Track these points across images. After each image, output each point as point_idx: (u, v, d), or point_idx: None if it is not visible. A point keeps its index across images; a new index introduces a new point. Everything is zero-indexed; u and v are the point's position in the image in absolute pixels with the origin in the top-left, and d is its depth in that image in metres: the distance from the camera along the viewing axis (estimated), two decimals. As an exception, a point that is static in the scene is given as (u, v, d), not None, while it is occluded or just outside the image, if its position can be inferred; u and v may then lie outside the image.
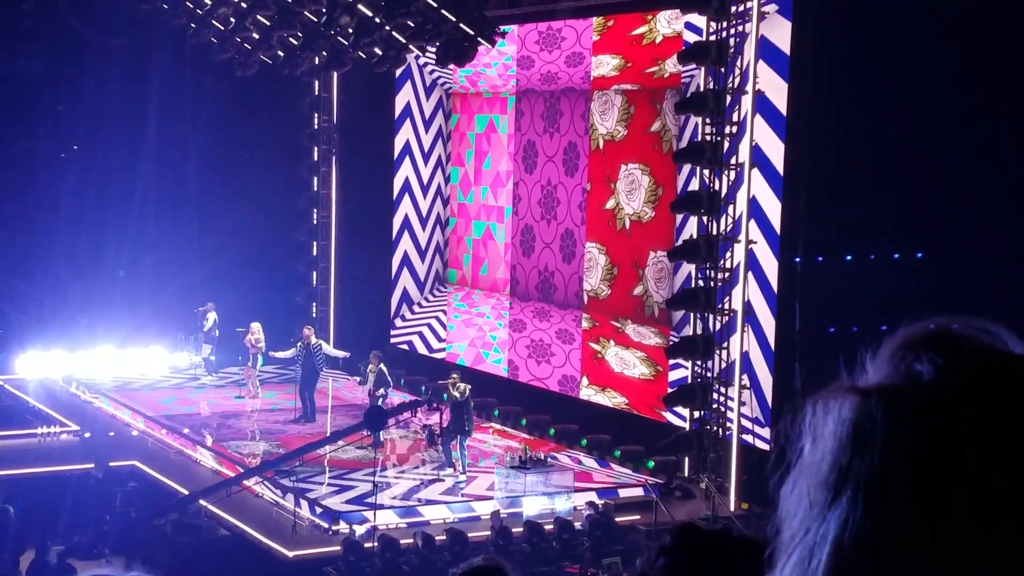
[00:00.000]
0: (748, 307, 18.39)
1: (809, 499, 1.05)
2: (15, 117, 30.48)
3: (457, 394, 19.42)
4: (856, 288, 16.61)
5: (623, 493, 18.88)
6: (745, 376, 18.40)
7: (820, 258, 17.61)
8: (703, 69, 18.79)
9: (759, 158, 18.17)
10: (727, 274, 18.42)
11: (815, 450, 1.06)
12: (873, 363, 1.09)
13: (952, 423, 1.01)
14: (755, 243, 18.28)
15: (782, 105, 17.95)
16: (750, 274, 18.36)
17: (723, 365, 18.53)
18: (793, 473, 1.08)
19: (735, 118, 18.27)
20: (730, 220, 18.36)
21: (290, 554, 16.39)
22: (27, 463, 19.70)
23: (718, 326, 18.48)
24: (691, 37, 19.46)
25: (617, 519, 17.66)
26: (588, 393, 22.55)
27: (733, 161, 18.30)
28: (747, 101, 18.14)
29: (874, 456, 1.02)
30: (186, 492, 18.51)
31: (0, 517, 16.98)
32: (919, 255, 15.99)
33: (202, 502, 17.86)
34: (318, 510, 17.63)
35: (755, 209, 18.30)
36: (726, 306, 18.44)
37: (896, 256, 16.72)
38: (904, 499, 1.00)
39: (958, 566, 0.98)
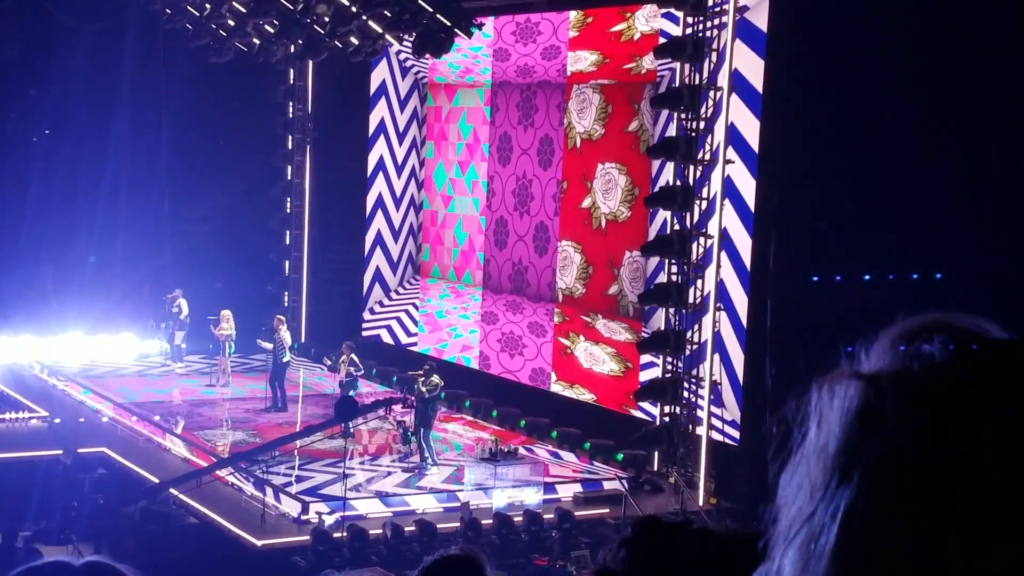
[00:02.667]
0: (720, 301, 18.47)
1: (812, 483, 1.05)
2: (-15, 101, 30.23)
3: (425, 389, 19.44)
4: (827, 285, 16.71)
5: (592, 487, 18.93)
6: (716, 371, 18.49)
7: (791, 256, 17.68)
8: (679, 64, 18.85)
9: (733, 154, 18.25)
10: (699, 269, 18.50)
11: (820, 434, 1.06)
12: (871, 352, 1.10)
13: (970, 402, 1.02)
14: (728, 239, 18.36)
15: (757, 101, 18.04)
16: (722, 270, 18.44)
17: (693, 361, 18.61)
18: (795, 459, 1.08)
19: (710, 114, 18.34)
20: (703, 216, 18.43)
21: (259, 543, 16.37)
22: (-6, 448, 19.58)
23: (689, 322, 18.55)
24: (671, 29, 19.49)
25: (586, 512, 17.73)
26: (558, 388, 22.60)
27: (707, 157, 18.36)
28: (722, 95, 18.21)
29: (885, 438, 1.03)
30: (155, 480, 18.45)
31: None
32: (892, 248, 16.07)
33: (171, 490, 17.80)
34: (286, 499, 17.61)
35: (729, 203, 18.38)
36: (697, 301, 18.52)
37: (870, 250, 16.81)
38: (918, 480, 1.01)
39: (973, 548, 0.99)
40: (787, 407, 1.11)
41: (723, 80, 18.22)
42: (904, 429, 1.02)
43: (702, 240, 18.45)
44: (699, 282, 18.52)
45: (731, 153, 18.28)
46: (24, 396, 22.77)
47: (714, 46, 18.28)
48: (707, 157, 18.37)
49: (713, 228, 18.38)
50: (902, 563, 1.00)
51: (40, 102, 29.81)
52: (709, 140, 18.38)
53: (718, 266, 18.39)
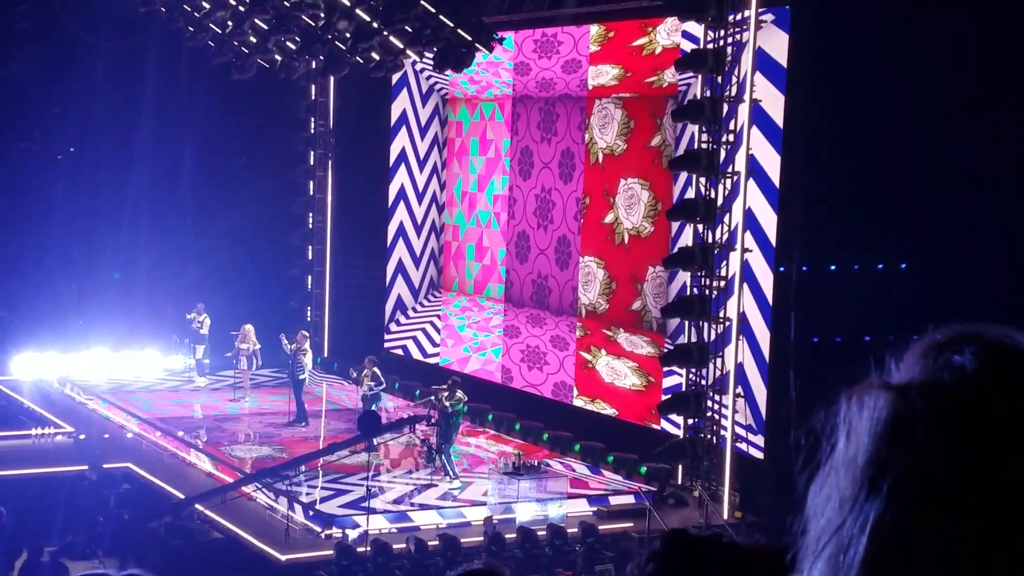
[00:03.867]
0: (743, 316, 18.43)
1: (841, 494, 1.05)
2: (10, 119, 30.43)
3: (448, 405, 19.44)
4: (850, 298, 16.65)
5: (616, 500, 18.90)
6: (739, 385, 18.43)
7: (815, 268, 17.63)
8: (700, 77, 18.84)
9: (755, 167, 18.23)
10: (722, 282, 18.46)
11: (849, 445, 1.07)
12: (901, 363, 1.10)
13: (1001, 412, 1.02)
14: (750, 252, 18.33)
15: (779, 114, 18.01)
16: (745, 283, 18.40)
17: (717, 374, 18.56)
18: (823, 470, 1.09)
19: (732, 127, 18.33)
20: (726, 229, 18.40)
21: (283, 558, 16.39)
22: (21, 464, 19.68)
23: (713, 335, 18.51)
24: (689, 47, 19.50)
25: (610, 526, 17.70)
26: (580, 402, 22.57)
27: (729, 170, 18.34)
28: (744, 110, 18.19)
29: (914, 449, 1.03)
30: (180, 495, 18.50)
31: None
32: (917, 265, 15.98)
33: (196, 505, 17.85)
34: (311, 514, 17.64)
35: (751, 218, 18.35)
36: (721, 314, 18.48)
37: (888, 266, 16.75)
38: (947, 491, 1.01)
39: (1003, 560, 0.99)
40: (815, 418, 1.11)
41: (745, 92, 18.20)
42: (934, 440, 1.02)
43: (725, 252, 18.41)
44: (722, 294, 18.48)
45: (754, 165, 18.24)
46: (50, 412, 22.88)
47: (736, 58, 18.25)
48: (729, 170, 18.34)
49: (736, 240, 18.34)
50: (931, 575, 0.99)
51: (63, 121, 30.01)
52: (731, 153, 18.35)
53: (741, 278, 18.35)
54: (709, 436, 18.66)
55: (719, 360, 18.52)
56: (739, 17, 18.16)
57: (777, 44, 18.04)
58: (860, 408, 1.07)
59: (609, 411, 21.88)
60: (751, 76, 18.12)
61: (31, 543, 16.44)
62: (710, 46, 18.33)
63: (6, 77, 30.66)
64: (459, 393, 19.54)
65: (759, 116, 18.20)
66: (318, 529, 17.21)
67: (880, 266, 16.37)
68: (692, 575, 1.71)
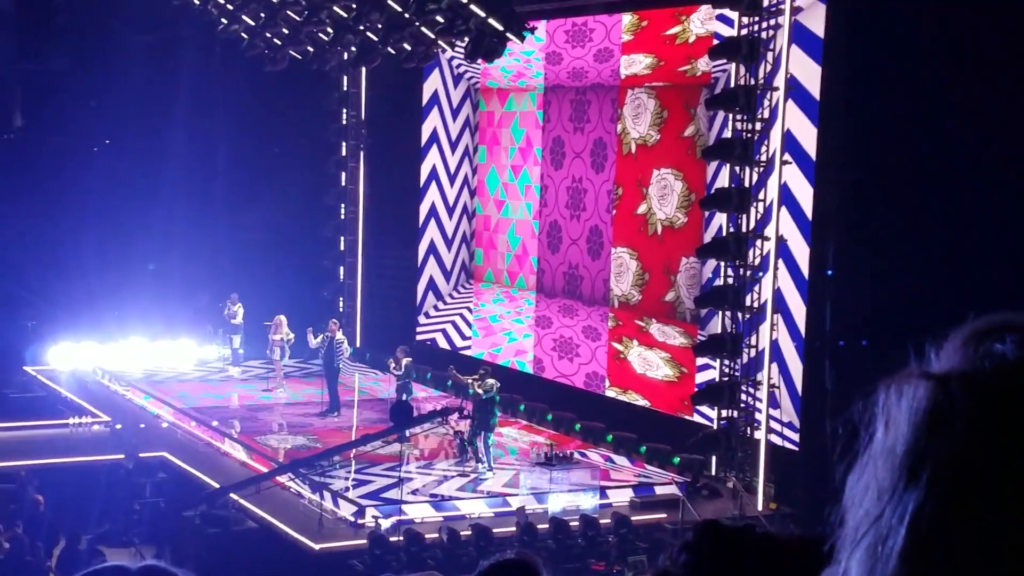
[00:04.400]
0: (778, 305, 18.35)
1: (879, 484, 1.04)
2: (47, 112, 30.71)
3: (482, 392, 19.43)
4: (887, 287, 16.52)
5: (649, 491, 18.87)
6: (774, 375, 18.36)
7: (851, 256, 17.51)
8: (734, 65, 18.75)
9: (790, 155, 18.12)
10: (757, 272, 18.39)
11: (888, 435, 1.06)
12: (941, 352, 1.09)
13: None
14: (785, 240, 18.24)
15: (814, 101, 17.90)
16: (780, 272, 18.32)
17: (751, 364, 18.49)
18: (862, 460, 1.08)
19: (766, 115, 18.24)
20: (760, 218, 18.32)
21: (316, 547, 16.47)
22: (59, 453, 19.87)
23: (747, 325, 18.44)
24: (727, 32, 19.41)
25: (643, 517, 17.69)
26: (612, 393, 22.55)
27: (764, 158, 18.26)
28: (778, 97, 18.09)
29: (954, 439, 1.01)
30: (214, 484, 18.62)
31: (31, 507, 17.14)
32: (956, 255, 15.83)
33: (231, 495, 17.96)
34: (343, 503, 17.71)
35: (785, 207, 18.25)
36: (755, 304, 18.41)
37: (926, 255, 16.60)
38: (988, 481, 1.00)
39: None
40: (853, 408, 1.10)
41: (779, 80, 18.10)
42: (974, 429, 1.01)
43: (759, 243, 18.33)
44: (756, 284, 18.42)
45: (788, 154, 18.14)
46: (87, 402, 23.09)
47: (770, 46, 18.17)
48: (763, 159, 18.26)
49: (770, 230, 18.26)
50: (971, 566, 0.98)
51: (99, 113, 30.26)
52: (765, 141, 18.27)
53: (775, 268, 18.27)
54: (743, 427, 18.60)
55: (753, 350, 18.45)
56: (774, 4, 18.05)
57: (812, 32, 17.92)
58: (899, 397, 1.06)
59: (641, 402, 21.84)
60: (786, 64, 18.02)
61: (69, 531, 16.63)
62: (744, 33, 18.24)
63: (43, 71, 30.91)
64: (490, 380, 19.54)
65: (794, 104, 18.10)
66: (351, 519, 17.28)
67: (918, 255, 16.23)
68: (725, 566, 1.69)
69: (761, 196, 18.29)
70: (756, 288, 18.42)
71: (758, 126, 18.21)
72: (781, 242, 18.23)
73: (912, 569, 1.00)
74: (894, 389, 1.07)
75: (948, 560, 0.99)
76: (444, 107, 26.63)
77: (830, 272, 17.56)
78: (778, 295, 18.34)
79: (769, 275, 18.29)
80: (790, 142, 18.13)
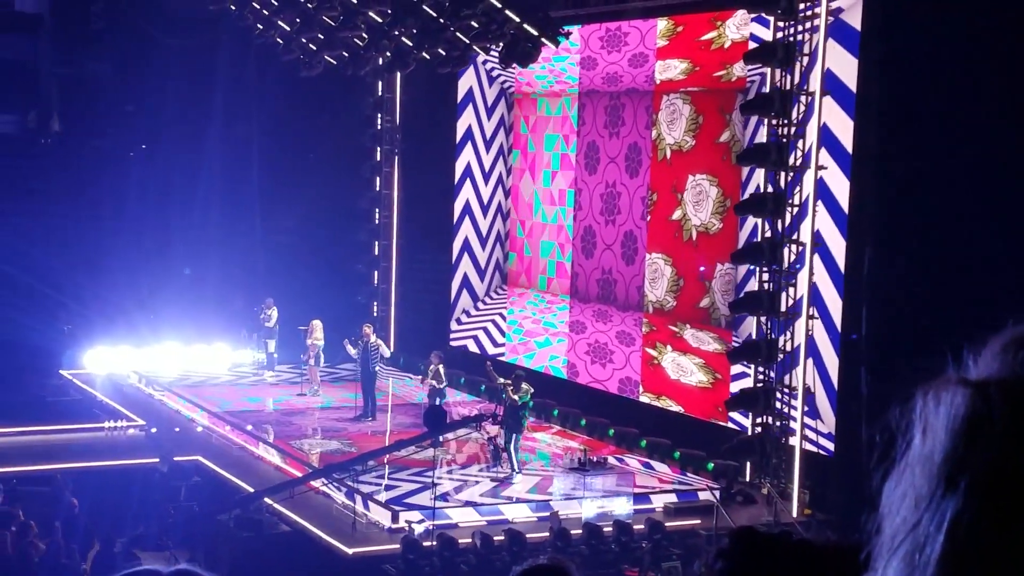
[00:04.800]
0: (813, 309, 18.24)
1: (917, 492, 1.03)
2: (84, 117, 30.98)
3: (517, 397, 19.41)
4: (924, 292, 16.38)
5: (683, 497, 18.79)
6: (810, 380, 18.25)
7: (887, 262, 17.37)
8: (770, 70, 18.66)
9: (826, 161, 18.02)
10: (792, 278, 18.28)
11: (925, 442, 1.05)
12: (979, 359, 1.08)
13: None
14: (820, 246, 18.13)
15: (849, 107, 17.79)
16: (816, 276, 18.21)
17: (786, 370, 18.38)
18: (899, 467, 1.07)
19: (801, 120, 18.13)
20: (795, 223, 18.21)
21: (349, 551, 16.50)
22: (94, 457, 20.01)
23: (781, 331, 18.33)
24: (763, 35, 19.32)
25: (677, 523, 17.61)
26: (646, 399, 22.48)
27: (799, 163, 18.16)
28: (813, 100, 17.99)
29: (993, 446, 1.00)
30: (248, 488, 18.69)
31: (66, 510, 17.25)
32: (994, 259, 15.66)
33: (265, 499, 18.02)
34: (376, 508, 17.72)
35: (821, 212, 18.14)
36: (790, 310, 18.30)
37: (965, 260, 16.45)
38: None
39: None
40: (891, 414, 1.09)
41: (815, 82, 18.00)
42: (1013, 436, 1.00)
43: (794, 247, 18.23)
44: (791, 289, 18.31)
45: (824, 158, 18.04)
46: (123, 406, 23.24)
47: (805, 50, 18.07)
48: (798, 163, 18.15)
49: (805, 234, 18.15)
50: (1010, 574, 0.97)
51: (136, 118, 30.49)
52: (800, 145, 18.17)
53: (811, 272, 18.16)
54: (778, 433, 18.49)
55: (788, 356, 18.34)
56: (809, 8, 17.96)
57: (849, 35, 17.81)
58: (937, 404, 1.05)
59: (675, 408, 21.76)
60: (822, 66, 17.92)
61: (104, 535, 16.72)
62: (779, 38, 18.15)
63: (81, 76, 31.20)
64: (524, 385, 19.51)
65: (830, 109, 17.99)
66: (384, 523, 17.30)
67: (956, 256, 16.08)
68: (761, 573, 1.67)
69: (796, 199, 18.18)
70: (791, 292, 18.31)
71: (793, 130, 18.11)
72: (817, 246, 18.12)
73: None
74: (932, 396, 1.06)
75: (986, 568, 0.98)
76: (479, 105, 26.64)
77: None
78: (814, 297, 18.23)
79: (804, 279, 18.18)
80: (826, 141, 18.01)
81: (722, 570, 1.69)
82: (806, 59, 18.06)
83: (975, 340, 1.10)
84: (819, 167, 17.98)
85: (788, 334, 18.30)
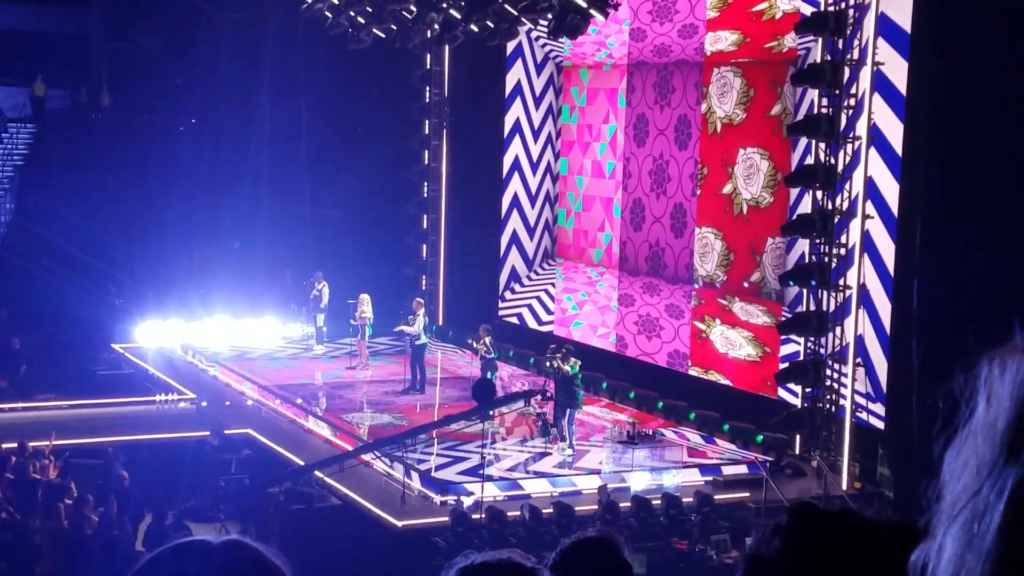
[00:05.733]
0: (863, 284, 18.06)
1: (979, 460, 1.01)
2: (135, 91, 31.20)
3: (568, 368, 19.39)
4: (978, 264, 16.15)
5: (731, 470, 18.71)
6: (859, 354, 18.08)
7: (938, 235, 17.14)
8: (820, 41, 18.43)
9: (877, 132, 17.79)
10: (842, 250, 18.10)
11: (989, 410, 1.03)
12: None
13: None
14: (871, 219, 17.94)
15: (902, 78, 17.53)
16: (866, 249, 18.01)
17: (836, 343, 18.24)
18: (961, 435, 1.05)
19: (853, 91, 17.91)
20: (846, 195, 18.02)
21: (399, 524, 16.57)
22: (145, 430, 20.21)
23: (832, 303, 18.18)
24: (809, 11, 19.08)
25: (726, 496, 17.55)
26: (695, 372, 22.38)
27: (850, 135, 17.94)
28: (866, 74, 17.76)
29: None
30: (299, 461, 18.81)
31: (117, 483, 17.43)
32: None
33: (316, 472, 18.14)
34: (426, 481, 17.78)
35: (871, 185, 17.94)
36: (841, 283, 18.13)
37: (1016, 235, 16.20)
38: None
39: None
40: (955, 381, 1.07)
41: (867, 57, 17.75)
42: None
43: (845, 220, 18.04)
44: (842, 261, 18.13)
45: (875, 131, 17.81)
46: (173, 379, 23.45)
47: (858, 20, 17.81)
48: (850, 135, 17.94)
49: (857, 207, 17.96)
50: None
51: (185, 92, 30.66)
52: (852, 118, 17.94)
53: (862, 246, 17.97)
54: (828, 406, 18.36)
55: (838, 329, 18.18)
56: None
57: (901, 5, 17.54)
58: (1003, 372, 1.03)
59: (724, 381, 21.66)
60: (873, 39, 17.67)
61: (155, 507, 16.89)
62: (831, 8, 17.92)
63: (133, 50, 31.40)
64: (572, 359, 19.49)
65: (881, 80, 17.75)
66: (434, 496, 17.36)
67: (1008, 231, 15.83)
68: (821, 554, 1.62)
69: (847, 173, 17.98)
70: (842, 266, 18.13)
71: (845, 102, 17.89)
72: (868, 219, 17.93)
73: (1008, 546, 0.97)
74: (998, 363, 1.04)
75: None
76: (527, 96, 26.55)
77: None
78: (865, 271, 18.04)
79: (856, 253, 17.99)
80: (878, 111, 17.77)
81: (779, 548, 1.64)
82: (858, 30, 17.80)
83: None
84: (871, 139, 17.75)
85: (838, 306, 18.13)
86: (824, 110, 18.03)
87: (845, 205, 18.04)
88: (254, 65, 28.80)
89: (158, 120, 30.84)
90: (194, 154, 28.61)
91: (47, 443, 18.11)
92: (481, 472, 17.45)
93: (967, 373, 1.06)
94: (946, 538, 1.03)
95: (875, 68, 17.68)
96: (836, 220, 18.05)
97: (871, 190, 17.93)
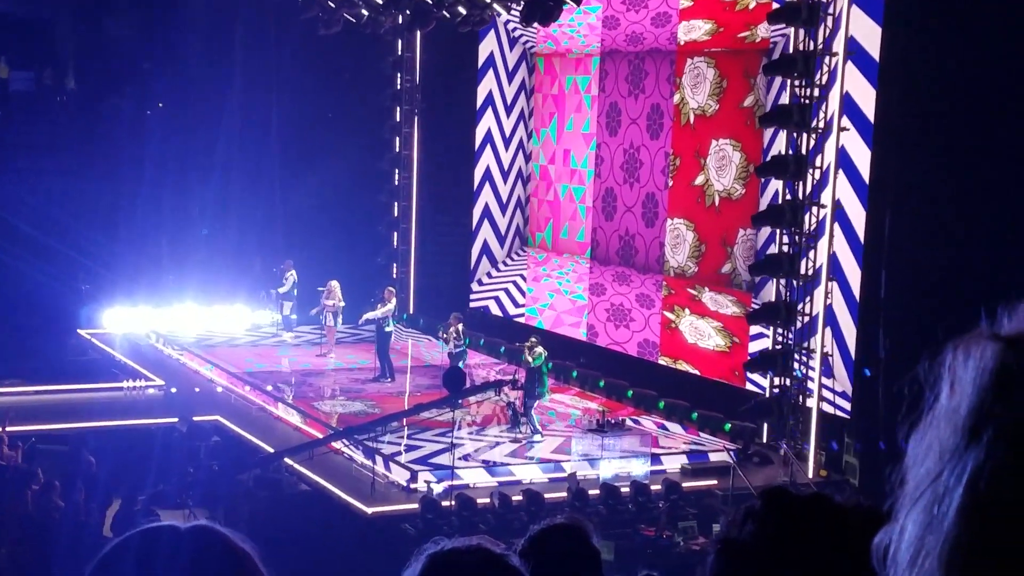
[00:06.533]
0: (832, 272, 18.15)
1: (942, 445, 1.03)
2: (102, 75, 30.92)
3: (531, 359, 19.41)
4: (944, 256, 16.26)
5: (700, 458, 18.78)
6: (827, 343, 18.19)
7: (908, 225, 17.24)
8: (793, 30, 18.48)
9: (848, 122, 17.86)
10: (812, 240, 18.18)
11: (953, 396, 1.04)
12: (1013, 316, 1.07)
13: None
14: (841, 206, 18.01)
15: (874, 64, 17.61)
16: (835, 240, 18.11)
17: (805, 333, 18.32)
18: (925, 420, 1.07)
19: (824, 81, 17.97)
20: (816, 184, 18.09)
21: (368, 510, 16.56)
22: (113, 416, 20.08)
23: (801, 293, 18.26)
24: (782, 0, 19.14)
25: (694, 484, 17.62)
26: (664, 362, 22.45)
27: (821, 125, 18.01)
28: (837, 62, 17.81)
29: (1018, 400, 1.00)
30: (268, 448, 18.76)
31: (85, 469, 17.33)
32: (1019, 221, 15.53)
33: (285, 459, 18.09)
34: (395, 468, 17.77)
35: (842, 174, 18.01)
36: (810, 272, 18.22)
37: (986, 225, 16.31)
38: None
39: None
40: (919, 368, 1.08)
41: (838, 46, 17.81)
42: None
43: (815, 210, 18.11)
44: (811, 252, 18.21)
45: (846, 121, 17.88)
46: (141, 365, 23.31)
47: (830, 11, 17.87)
48: (821, 125, 18.01)
49: (826, 198, 18.03)
50: None
51: (154, 76, 30.39)
52: (823, 108, 18.01)
53: (831, 236, 18.05)
54: (796, 394, 18.46)
55: (807, 318, 18.27)
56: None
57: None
58: (966, 358, 1.04)
59: (693, 371, 21.73)
60: (846, 29, 17.73)
61: (123, 493, 16.80)
62: (802, -2, 17.95)
63: (99, 33, 31.11)
64: (539, 349, 19.51)
65: (853, 70, 17.81)
66: (403, 483, 17.35)
67: (977, 220, 15.94)
68: (794, 538, 1.62)
69: (818, 163, 18.06)
70: (811, 255, 18.22)
71: (816, 92, 17.95)
72: (837, 208, 18.00)
73: (966, 529, 0.99)
74: (962, 350, 1.05)
75: (1002, 520, 0.98)
76: (500, 70, 26.49)
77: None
78: (833, 261, 18.13)
79: (824, 241, 18.07)
80: (848, 106, 17.85)
81: (752, 531, 1.64)
82: (831, 20, 17.86)
83: (998, 301, 1.08)
84: (841, 129, 17.82)
85: (807, 297, 18.23)
86: (796, 100, 18.07)
87: (815, 194, 18.10)
88: (224, 49, 28.62)
89: (125, 104, 30.59)
90: (162, 139, 28.39)
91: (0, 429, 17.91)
92: (450, 459, 17.45)
93: (932, 360, 1.07)
94: (907, 521, 1.04)
95: (847, 58, 17.74)
96: (806, 209, 18.12)
97: (841, 179, 18.00)
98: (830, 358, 18.22)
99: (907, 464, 1.07)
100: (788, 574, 1.62)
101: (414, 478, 17.25)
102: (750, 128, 20.57)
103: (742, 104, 20.93)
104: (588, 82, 24.61)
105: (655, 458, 18.67)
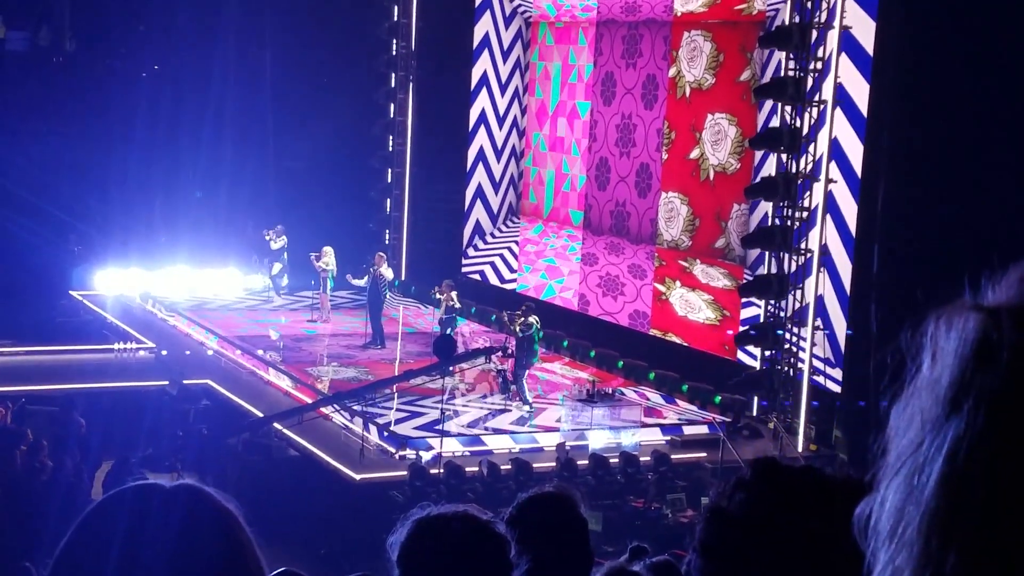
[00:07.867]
0: (825, 247, 18.15)
1: (924, 416, 1.04)
2: (96, 38, 30.77)
3: (518, 329, 19.40)
4: (938, 229, 16.26)
5: (689, 430, 18.83)
6: (819, 318, 18.21)
7: (901, 201, 17.24)
8: (789, 3, 18.42)
9: (843, 96, 17.83)
10: (805, 214, 18.17)
11: (935, 367, 1.05)
12: (997, 286, 1.08)
13: None
14: (835, 183, 18.00)
15: (869, 43, 17.56)
16: (828, 213, 18.10)
17: (796, 306, 18.35)
18: (907, 391, 1.07)
19: (820, 54, 17.92)
20: (810, 159, 18.07)
21: (357, 477, 16.59)
22: (104, 378, 20.06)
23: (793, 266, 18.27)
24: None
25: (683, 455, 17.67)
26: (655, 333, 22.46)
27: (816, 98, 17.97)
28: (833, 36, 17.76)
29: (999, 371, 1.00)
30: (257, 412, 18.77)
31: (74, 430, 17.31)
32: (1013, 200, 15.54)
33: (274, 424, 18.10)
34: (386, 434, 17.81)
35: (836, 148, 17.99)
36: (802, 246, 18.21)
37: (980, 200, 16.30)
38: None
39: None
40: (902, 338, 1.09)
41: (835, 20, 17.75)
42: (1020, 362, 1.00)
43: (808, 184, 18.10)
44: (804, 226, 18.20)
45: (841, 94, 17.84)
46: (132, 328, 23.28)
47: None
48: (816, 98, 17.96)
49: (820, 170, 18.02)
50: (1006, 496, 0.98)
51: (147, 39, 30.26)
52: (819, 82, 17.96)
53: (825, 210, 18.05)
54: (786, 368, 18.49)
55: (799, 292, 18.29)
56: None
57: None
58: (948, 329, 1.05)
59: (684, 343, 21.75)
60: (842, 1, 17.67)
61: (113, 456, 16.80)
62: (800, -30, 17.89)
63: (93, -5, 30.91)
64: (531, 318, 19.50)
65: (848, 44, 17.76)
66: (392, 450, 17.38)
67: (970, 199, 15.94)
68: (783, 508, 1.63)
69: (812, 138, 18.02)
70: (804, 230, 18.21)
71: (812, 65, 17.90)
72: (830, 184, 17.99)
73: (945, 499, 1.00)
74: (944, 320, 1.06)
75: (982, 491, 0.99)
76: (495, 49, 26.37)
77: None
78: (826, 237, 18.12)
79: (818, 216, 18.06)
80: (844, 80, 17.79)
81: (742, 501, 1.65)
82: (827, -8, 17.79)
83: (994, 271, 1.09)
84: (836, 102, 17.78)
85: (799, 271, 18.23)
86: (791, 73, 18.03)
87: (809, 168, 18.08)
88: (218, 12, 28.47)
89: (120, 66, 30.46)
90: (156, 101, 28.27)
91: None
92: (440, 427, 17.48)
93: (915, 330, 1.08)
94: (888, 491, 1.05)
95: (843, 30, 17.69)
96: (799, 183, 18.10)
97: (835, 153, 17.98)
98: (821, 332, 18.24)
99: (889, 435, 1.08)
100: (776, 544, 1.63)
101: (403, 446, 17.28)
102: (746, 103, 20.51)
103: (738, 79, 20.86)
104: (583, 51, 24.51)
105: (644, 429, 18.71)
